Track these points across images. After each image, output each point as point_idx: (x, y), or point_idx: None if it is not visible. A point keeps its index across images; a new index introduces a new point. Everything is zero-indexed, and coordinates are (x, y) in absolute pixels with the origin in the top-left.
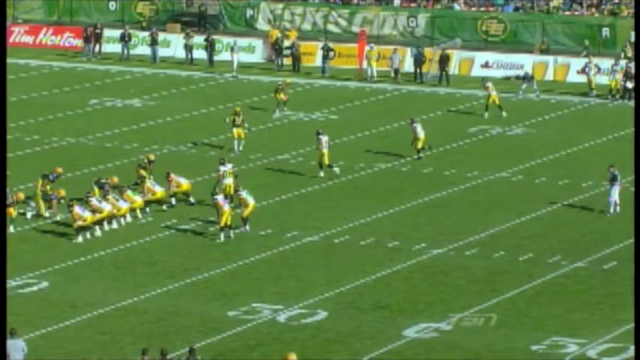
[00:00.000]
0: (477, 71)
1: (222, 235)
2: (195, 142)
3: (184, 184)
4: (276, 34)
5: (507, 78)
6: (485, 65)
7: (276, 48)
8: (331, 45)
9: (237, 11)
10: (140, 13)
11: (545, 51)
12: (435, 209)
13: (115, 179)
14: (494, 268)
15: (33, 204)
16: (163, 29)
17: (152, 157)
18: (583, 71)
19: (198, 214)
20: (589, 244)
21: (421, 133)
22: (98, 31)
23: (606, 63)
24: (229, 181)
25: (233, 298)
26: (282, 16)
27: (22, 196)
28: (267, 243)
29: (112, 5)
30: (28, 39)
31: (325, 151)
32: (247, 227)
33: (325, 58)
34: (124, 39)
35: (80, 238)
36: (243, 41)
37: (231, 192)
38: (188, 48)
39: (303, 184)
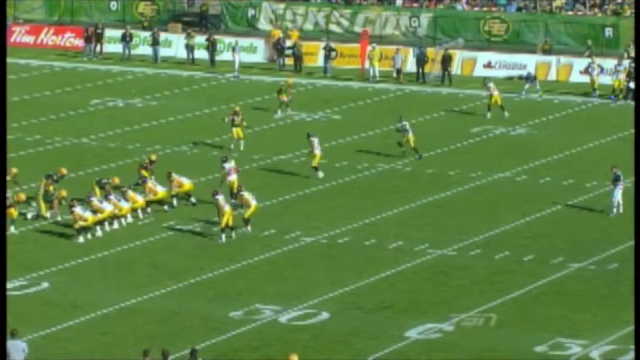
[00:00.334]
0: (480, 71)
1: (223, 236)
2: (197, 142)
3: (186, 184)
4: (278, 34)
5: (510, 78)
6: (488, 65)
7: (278, 48)
8: (333, 45)
9: (239, 11)
10: (141, 13)
11: (547, 51)
12: (438, 209)
13: (117, 180)
14: (497, 268)
15: (34, 204)
16: (165, 29)
17: (154, 157)
18: (586, 71)
19: (199, 215)
20: (593, 244)
21: (410, 132)
22: (99, 31)
23: (609, 63)
24: (234, 177)
25: (235, 298)
26: (283, 15)
27: (22, 196)
28: (269, 243)
29: (113, 5)
30: (29, 39)
31: (318, 152)
32: (249, 228)
33: (327, 58)
34: (125, 39)
35: (81, 239)
36: (244, 41)
37: (235, 189)
38: (189, 48)
39: (305, 184)
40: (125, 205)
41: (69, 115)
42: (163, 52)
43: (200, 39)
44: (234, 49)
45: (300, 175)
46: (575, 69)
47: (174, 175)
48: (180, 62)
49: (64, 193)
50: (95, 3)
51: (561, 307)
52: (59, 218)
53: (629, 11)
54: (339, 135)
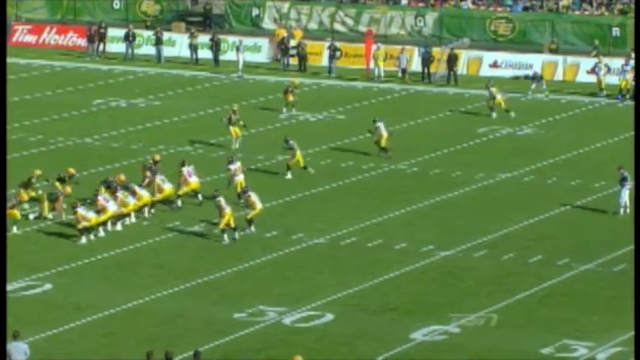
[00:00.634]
0: (486, 71)
1: (225, 237)
2: (201, 142)
3: (194, 182)
4: (282, 33)
5: (516, 78)
6: (494, 65)
7: (282, 48)
8: (338, 45)
9: (243, 10)
10: (145, 12)
11: (554, 51)
12: (444, 210)
13: (122, 177)
14: (503, 269)
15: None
16: (168, 28)
17: (157, 157)
18: (593, 71)
19: (203, 216)
20: (599, 246)
21: (384, 132)
22: (102, 30)
23: (616, 63)
24: (240, 178)
25: (239, 300)
26: (288, 15)
27: (25, 196)
28: (273, 245)
29: (117, 4)
30: (31, 38)
31: (299, 152)
32: (252, 229)
33: (332, 57)
34: (129, 38)
35: (84, 240)
36: (248, 41)
37: (241, 189)
38: (193, 47)
39: (309, 185)
40: (131, 201)
41: (72, 115)
42: (167, 51)
43: (204, 38)
44: (238, 49)
45: (305, 175)
46: (582, 69)
47: (185, 168)
48: (183, 62)
49: (69, 189)
50: (98, 2)
51: (568, 309)
52: (64, 218)
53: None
54: (344, 135)
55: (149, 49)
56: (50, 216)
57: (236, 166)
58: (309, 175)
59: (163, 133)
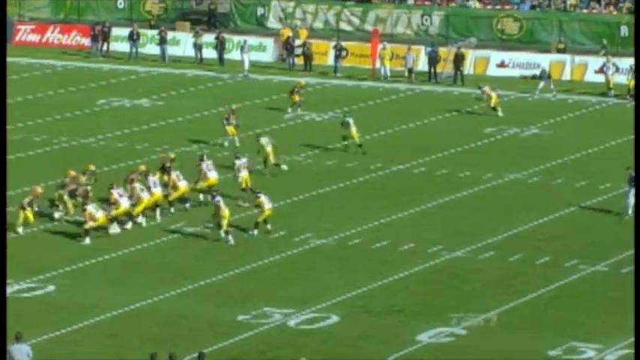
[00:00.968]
0: (493, 71)
1: (231, 238)
2: (206, 142)
3: (212, 177)
4: (287, 33)
5: (524, 78)
6: (501, 65)
7: (287, 47)
8: (343, 44)
9: (248, 9)
10: (149, 11)
11: (562, 50)
12: (451, 211)
13: (143, 167)
14: (510, 271)
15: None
16: (172, 28)
17: (172, 155)
18: (601, 71)
19: (209, 216)
20: (607, 247)
21: (353, 127)
22: (106, 29)
23: (625, 62)
24: (244, 174)
25: (244, 301)
26: (293, 14)
27: (39, 190)
28: (279, 245)
29: (120, 3)
30: (35, 38)
31: (269, 149)
32: (256, 232)
33: (337, 57)
34: (133, 38)
35: (87, 241)
36: (253, 40)
37: (247, 185)
38: (197, 47)
39: (316, 185)
40: (145, 196)
41: (75, 115)
42: (171, 50)
43: (208, 37)
44: (242, 49)
45: (311, 175)
46: (590, 68)
47: (204, 163)
48: (188, 61)
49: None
50: (102, 1)
51: (575, 311)
52: (76, 216)
53: None
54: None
55: (153, 49)
56: (57, 216)
57: (241, 162)
58: (316, 176)
59: (167, 133)
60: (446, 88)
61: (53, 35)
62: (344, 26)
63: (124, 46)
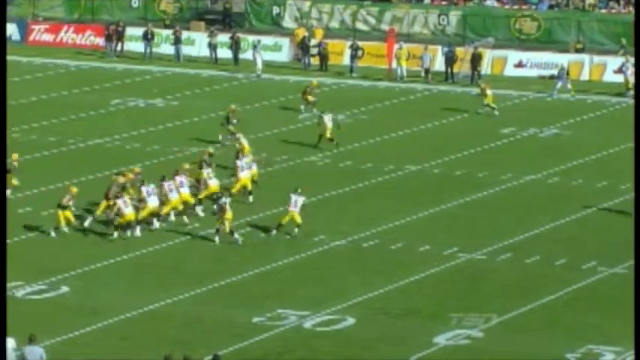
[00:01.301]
0: (510, 71)
1: (237, 236)
2: (220, 143)
3: (244, 177)
4: (302, 33)
5: (542, 78)
6: (519, 65)
7: (303, 47)
8: (359, 44)
9: (263, 9)
10: (163, 10)
11: (580, 50)
12: (468, 212)
13: (187, 166)
14: (528, 272)
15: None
16: (187, 27)
17: (211, 150)
18: (620, 70)
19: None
20: (626, 249)
21: (329, 123)
22: (120, 29)
23: None
24: (244, 174)
25: (259, 303)
26: (309, 13)
27: (74, 189)
28: (294, 247)
29: (135, 3)
30: (49, 37)
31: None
32: (274, 232)
33: (353, 57)
34: (147, 37)
35: (115, 235)
36: (269, 40)
37: (255, 180)
38: (212, 47)
39: (331, 186)
40: (174, 197)
41: (89, 115)
42: (186, 50)
43: (223, 37)
44: (255, 49)
45: (327, 176)
46: (609, 68)
47: (238, 162)
48: (203, 61)
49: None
50: (116, 1)
51: (593, 314)
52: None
53: None
54: (366, 136)
55: (168, 48)
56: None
57: (243, 162)
58: (332, 177)
59: (182, 133)
60: (463, 88)
61: (67, 35)
62: (360, 26)
63: (138, 46)
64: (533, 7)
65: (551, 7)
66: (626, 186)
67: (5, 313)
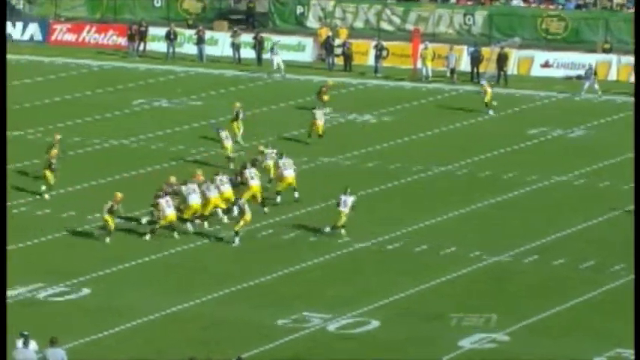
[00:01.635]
0: (537, 71)
1: (237, 240)
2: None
3: (289, 176)
4: (326, 33)
5: (569, 78)
6: (546, 65)
7: (327, 47)
8: (384, 44)
9: (287, 8)
10: (186, 10)
11: (608, 50)
12: (495, 213)
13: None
14: (554, 274)
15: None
16: (210, 27)
17: (261, 148)
18: None
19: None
20: None
21: (320, 120)
22: (143, 29)
23: None
24: (268, 162)
25: (284, 305)
26: (333, 13)
27: (120, 195)
28: (320, 248)
29: (158, 2)
30: (71, 37)
31: (229, 144)
32: (326, 229)
33: (378, 57)
34: (170, 37)
35: (148, 237)
36: (292, 39)
37: (272, 173)
38: (235, 47)
39: (356, 187)
40: (213, 194)
41: (114, 115)
42: (209, 50)
43: (247, 37)
44: (272, 50)
45: (352, 177)
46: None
47: (281, 161)
48: (226, 61)
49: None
50: (139, 0)
51: (621, 317)
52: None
53: None
54: (391, 137)
55: (191, 48)
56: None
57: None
58: (359, 177)
59: (207, 133)
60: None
61: (89, 35)
62: (385, 26)
63: (161, 46)
64: (560, 6)
65: (578, 6)
66: None
67: (5, 313)
